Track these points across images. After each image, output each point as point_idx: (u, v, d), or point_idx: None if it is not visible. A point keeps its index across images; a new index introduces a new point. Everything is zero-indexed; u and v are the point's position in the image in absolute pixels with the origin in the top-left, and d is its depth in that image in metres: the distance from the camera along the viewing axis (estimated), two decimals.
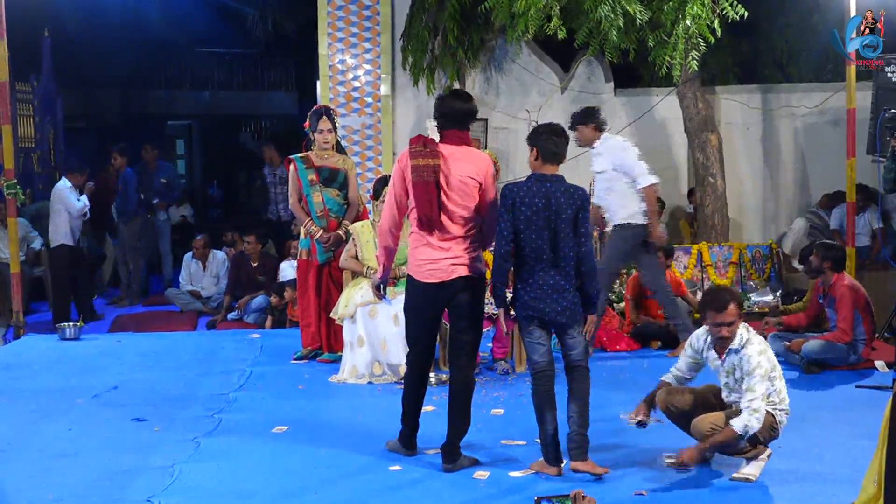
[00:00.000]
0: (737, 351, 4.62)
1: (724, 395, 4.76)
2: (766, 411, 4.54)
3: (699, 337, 4.85)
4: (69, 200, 9.73)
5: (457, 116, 4.85)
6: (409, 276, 4.91)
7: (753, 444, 4.58)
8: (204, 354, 7.72)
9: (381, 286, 5.09)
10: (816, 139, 10.31)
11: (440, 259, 4.75)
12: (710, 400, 4.82)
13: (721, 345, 4.67)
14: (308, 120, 7.35)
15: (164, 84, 19.25)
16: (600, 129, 7.23)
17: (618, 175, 7.14)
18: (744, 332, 4.66)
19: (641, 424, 4.83)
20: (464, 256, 4.77)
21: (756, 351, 4.59)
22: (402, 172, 4.82)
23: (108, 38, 15.32)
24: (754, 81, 10.80)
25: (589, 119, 7.24)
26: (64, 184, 9.83)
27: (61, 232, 9.72)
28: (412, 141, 4.86)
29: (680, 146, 10.37)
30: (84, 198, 9.95)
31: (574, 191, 4.68)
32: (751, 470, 4.56)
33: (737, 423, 4.44)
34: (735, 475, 4.55)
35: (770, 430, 4.59)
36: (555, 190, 4.64)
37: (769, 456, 4.61)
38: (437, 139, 4.86)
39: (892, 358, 6.70)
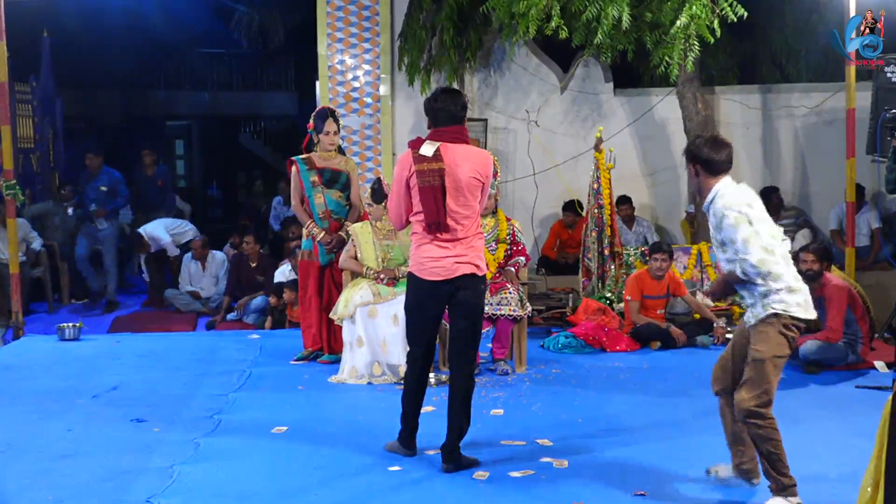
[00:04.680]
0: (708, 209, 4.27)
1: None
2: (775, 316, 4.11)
3: None
4: None
5: (449, 113, 4.82)
6: (410, 273, 4.91)
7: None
8: (203, 355, 7.71)
9: None
10: (816, 139, 10.30)
11: (444, 257, 4.76)
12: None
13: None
14: (312, 121, 7.34)
15: (163, 84, 19.25)
16: None
17: None
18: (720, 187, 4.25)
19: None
20: (467, 255, 4.78)
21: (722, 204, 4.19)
22: (404, 180, 4.80)
23: (108, 38, 15.33)
24: (754, 82, 10.79)
25: None
26: None
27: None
28: (411, 144, 4.86)
29: (680, 146, 10.35)
30: None
31: None
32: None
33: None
34: None
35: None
36: None
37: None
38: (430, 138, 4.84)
39: (891, 358, 6.72)
